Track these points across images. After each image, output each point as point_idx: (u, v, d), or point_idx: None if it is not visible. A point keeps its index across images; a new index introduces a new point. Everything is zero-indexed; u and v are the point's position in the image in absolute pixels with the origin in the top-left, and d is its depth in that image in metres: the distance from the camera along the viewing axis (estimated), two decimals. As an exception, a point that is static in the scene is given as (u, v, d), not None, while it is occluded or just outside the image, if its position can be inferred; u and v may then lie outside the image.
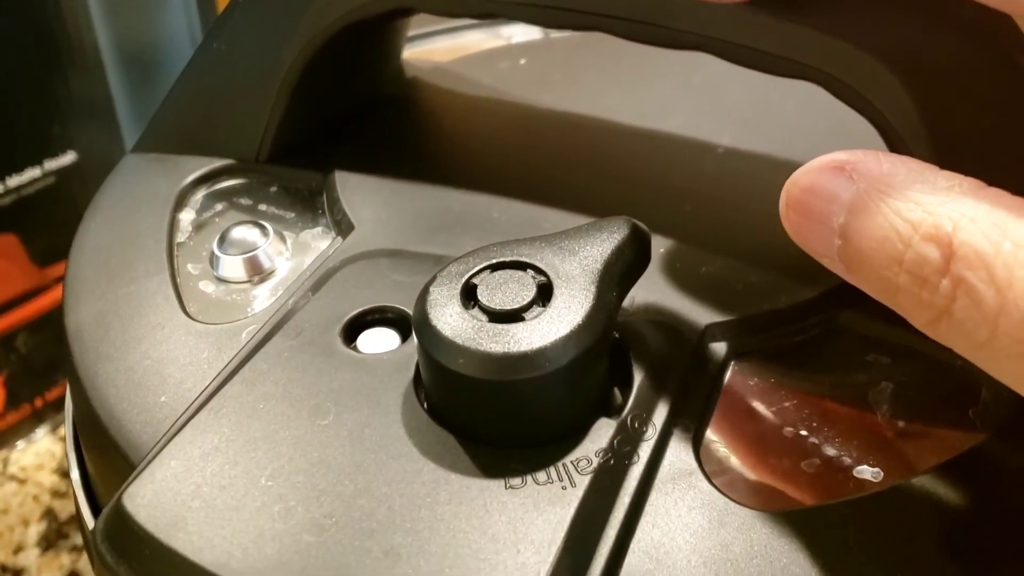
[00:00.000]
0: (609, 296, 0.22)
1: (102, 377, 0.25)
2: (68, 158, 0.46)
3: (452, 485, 0.21)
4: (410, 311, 0.24)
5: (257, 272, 0.27)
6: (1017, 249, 0.16)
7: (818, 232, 0.18)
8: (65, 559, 0.45)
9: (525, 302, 0.21)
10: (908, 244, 0.17)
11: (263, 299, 0.27)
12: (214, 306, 0.27)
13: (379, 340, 0.24)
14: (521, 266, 0.22)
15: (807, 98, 0.27)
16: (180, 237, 0.29)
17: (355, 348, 0.24)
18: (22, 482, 0.48)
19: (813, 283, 0.25)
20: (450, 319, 0.21)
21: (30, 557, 0.45)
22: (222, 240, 0.28)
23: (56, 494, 0.48)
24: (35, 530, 0.46)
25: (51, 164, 0.46)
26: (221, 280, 0.27)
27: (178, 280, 0.27)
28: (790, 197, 0.19)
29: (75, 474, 0.27)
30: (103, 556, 0.20)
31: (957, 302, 0.16)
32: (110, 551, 0.20)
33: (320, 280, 0.26)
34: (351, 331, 0.25)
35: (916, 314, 0.17)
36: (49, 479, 0.48)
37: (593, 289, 0.21)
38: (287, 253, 0.28)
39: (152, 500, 0.21)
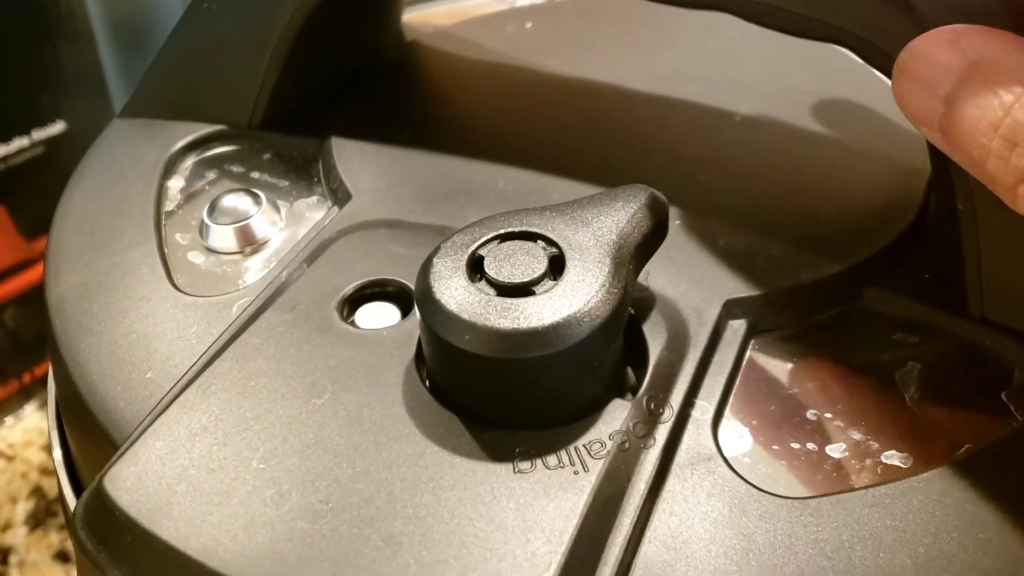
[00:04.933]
0: (624, 269, 0.21)
1: (84, 352, 0.24)
2: (57, 128, 0.45)
3: (457, 469, 0.20)
4: (411, 284, 0.23)
5: (249, 242, 0.26)
6: None
7: (924, 98, 0.20)
8: (54, 537, 0.44)
9: (535, 275, 0.20)
10: (1008, 112, 0.18)
11: (255, 271, 0.26)
12: (203, 278, 0.26)
13: (378, 315, 0.23)
14: (531, 237, 0.21)
15: (826, 63, 0.26)
16: (168, 206, 0.28)
17: (353, 323, 0.23)
18: (10, 459, 0.47)
19: (837, 258, 0.24)
20: (455, 292, 0.20)
21: (18, 536, 0.44)
22: (212, 209, 0.27)
23: (45, 471, 0.47)
24: (23, 508, 0.45)
25: (39, 134, 0.45)
26: (211, 251, 0.26)
27: (166, 250, 0.26)
28: (904, 64, 0.20)
29: (57, 454, 0.26)
30: (83, 543, 0.19)
31: None
32: (90, 537, 0.19)
33: (316, 251, 0.25)
34: (349, 305, 0.23)
35: (1001, 178, 0.19)
36: (37, 456, 0.47)
37: (608, 262, 0.20)
38: (281, 223, 0.27)
39: (135, 483, 0.19)
